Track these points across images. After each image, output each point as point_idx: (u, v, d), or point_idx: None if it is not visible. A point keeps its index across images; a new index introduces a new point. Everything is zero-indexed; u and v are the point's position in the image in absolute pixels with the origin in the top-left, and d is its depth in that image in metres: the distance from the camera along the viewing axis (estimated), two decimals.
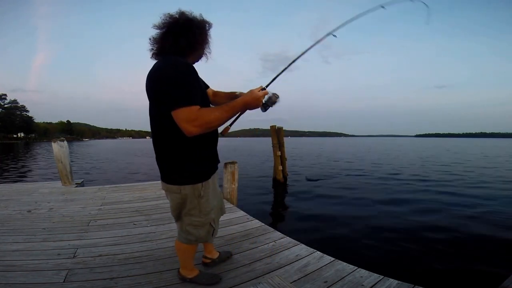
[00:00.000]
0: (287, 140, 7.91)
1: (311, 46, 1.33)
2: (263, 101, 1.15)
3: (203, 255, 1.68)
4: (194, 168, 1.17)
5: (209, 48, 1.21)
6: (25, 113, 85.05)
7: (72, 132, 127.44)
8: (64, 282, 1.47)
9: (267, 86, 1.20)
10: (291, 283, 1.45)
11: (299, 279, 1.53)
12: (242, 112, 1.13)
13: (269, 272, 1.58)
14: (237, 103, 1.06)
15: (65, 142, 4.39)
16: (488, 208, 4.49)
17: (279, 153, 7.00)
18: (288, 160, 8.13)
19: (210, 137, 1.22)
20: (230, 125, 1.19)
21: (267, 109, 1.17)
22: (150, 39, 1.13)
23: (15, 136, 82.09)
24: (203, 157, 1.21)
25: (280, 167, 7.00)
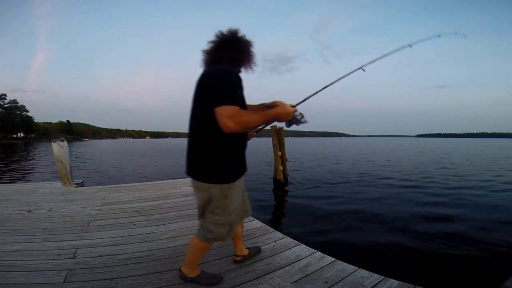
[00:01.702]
0: (287, 140, 7.90)
1: (342, 77, 1.50)
2: (290, 117, 1.23)
3: (234, 253, 1.74)
4: (226, 169, 1.25)
5: (254, 63, 1.33)
6: (25, 113, 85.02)
7: (72, 132, 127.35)
8: (64, 282, 1.47)
9: (297, 105, 1.30)
10: (291, 283, 1.45)
11: (299, 279, 1.52)
12: (271, 122, 1.25)
13: (269, 273, 1.58)
14: (270, 113, 1.18)
15: (65, 142, 4.39)
16: (493, 208, 4.49)
17: (279, 153, 6.99)
18: (293, 160, 8.11)
19: (241, 141, 1.30)
20: (256, 132, 1.32)
21: (291, 125, 1.26)
22: (203, 51, 1.29)
23: (15, 136, 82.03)
24: (234, 159, 1.29)
25: (281, 167, 6.99)
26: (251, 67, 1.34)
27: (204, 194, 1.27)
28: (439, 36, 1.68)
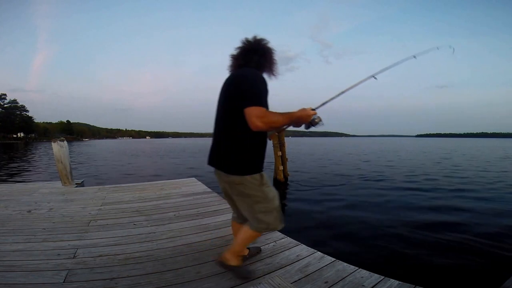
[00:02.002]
0: (287, 140, 7.90)
1: (355, 85, 1.60)
2: (310, 120, 1.34)
3: None
4: (254, 162, 1.35)
5: (276, 70, 1.43)
6: (25, 113, 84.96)
7: (72, 132, 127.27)
8: (64, 282, 1.46)
9: (316, 108, 1.40)
10: (291, 283, 1.45)
11: (299, 279, 1.52)
12: (293, 123, 1.34)
13: (269, 273, 1.58)
14: (292, 114, 1.30)
15: (65, 142, 4.39)
16: (493, 208, 4.49)
17: (279, 153, 6.99)
18: (294, 160, 8.11)
19: (264, 139, 1.40)
20: (278, 132, 1.36)
21: (309, 128, 1.37)
22: (230, 55, 1.40)
23: (15, 136, 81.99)
24: (259, 155, 1.38)
25: (281, 167, 6.99)
26: (273, 74, 1.43)
27: (241, 187, 1.34)
28: (414, 57, 1.74)
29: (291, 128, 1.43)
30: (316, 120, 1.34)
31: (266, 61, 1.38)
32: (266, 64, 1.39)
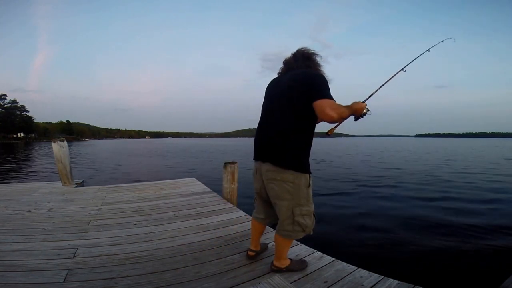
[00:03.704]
0: None
1: (388, 80, 1.69)
2: (362, 112, 1.40)
3: (248, 248, 1.80)
4: (308, 162, 1.42)
5: (324, 70, 1.51)
6: (25, 113, 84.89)
7: (72, 132, 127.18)
8: (64, 282, 1.47)
9: (365, 100, 1.49)
10: (291, 283, 1.46)
11: (299, 279, 1.52)
12: (351, 115, 1.38)
13: (269, 272, 1.58)
14: (352, 107, 1.35)
15: (65, 142, 4.39)
16: (492, 209, 4.49)
17: None
18: None
19: (312, 140, 1.45)
20: (335, 127, 1.51)
21: (358, 119, 1.43)
22: (283, 61, 1.54)
23: (15, 136, 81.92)
24: (308, 155, 1.44)
25: None
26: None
27: (289, 185, 1.37)
28: (428, 50, 1.85)
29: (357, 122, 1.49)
30: (365, 111, 1.41)
31: (315, 65, 1.48)
32: (316, 67, 1.49)
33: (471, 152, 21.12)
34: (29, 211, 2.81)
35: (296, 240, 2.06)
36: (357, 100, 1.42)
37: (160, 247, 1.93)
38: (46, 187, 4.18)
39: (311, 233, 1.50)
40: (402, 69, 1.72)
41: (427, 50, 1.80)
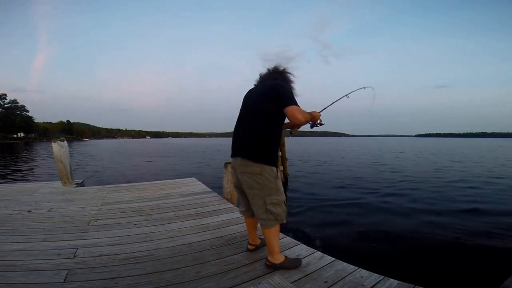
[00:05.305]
0: (287, 140, 7.90)
1: (332, 103, 1.92)
2: (318, 120, 1.66)
3: (248, 242, 1.89)
4: (275, 156, 1.61)
5: (294, 87, 1.73)
6: (25, 113, 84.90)
7: (72, 132, 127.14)
8: (64, 282, 1.46)
9: (321, 111, 1.75)
10: (291, 283, 1.45)
11: (299, 279, 1.52)
12: (309, 121, 1.61)
13: (269, 272, 1.58)
14: (311, 114, 1.61)
15: (65, 142, 4.39)
16: (489, 208, 4.49)
17: (279, 153, 7.00)
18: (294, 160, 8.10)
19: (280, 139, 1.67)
20: (298, 128, 1.73)
21: (313, 127, 1.69)
22: (260, 74, 1.77)
23: (15, 136, 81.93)
24: (277, 152, 1.65)
25: (281, 167, 7.00)
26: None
27: (258, 177, 1.53)
28: (347, 96, 2.00)
29: (313, 129, 1.75)
30: (319, 121, 1.66)
31: (282, 78, 1.71)
32: (282, 80, 1.70)
33: (487, 154, 20.30)
34: (29, 211, 2.81)
35: (296, 240, 2.07)
36: (315, 110, 1.68)
37: (161, 247, 1.93)
38: (46, 187, 4.19)
39: (284, 221, 1.62)
40: (345, 95, 1.99)
41: (346, 95, 1.99)
